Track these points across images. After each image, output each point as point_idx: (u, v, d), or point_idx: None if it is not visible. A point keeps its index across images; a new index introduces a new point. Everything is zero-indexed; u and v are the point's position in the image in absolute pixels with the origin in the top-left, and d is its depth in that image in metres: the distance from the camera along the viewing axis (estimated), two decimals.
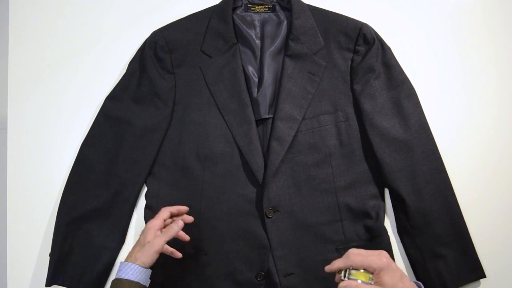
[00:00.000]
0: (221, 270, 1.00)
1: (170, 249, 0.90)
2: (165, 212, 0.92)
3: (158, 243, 0.87)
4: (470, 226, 1.01)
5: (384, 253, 0.75)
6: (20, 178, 1.10)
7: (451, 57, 1.13)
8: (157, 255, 0.88)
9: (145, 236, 0.88)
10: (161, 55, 1.05)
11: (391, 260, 0.74)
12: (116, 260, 1.04)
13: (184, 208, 0.94)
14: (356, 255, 0.75)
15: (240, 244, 1.00)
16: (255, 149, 1.00)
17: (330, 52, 1.05)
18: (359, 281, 0.72)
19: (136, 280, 0.85)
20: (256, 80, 1.04)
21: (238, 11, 1.08)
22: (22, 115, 1.13)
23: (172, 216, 0.94)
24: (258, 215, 1.00)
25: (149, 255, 0.86)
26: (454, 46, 1.13)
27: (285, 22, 1.07)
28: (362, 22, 1.06)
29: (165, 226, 0.92)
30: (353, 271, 0.74)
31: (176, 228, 0.90)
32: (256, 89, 1.04)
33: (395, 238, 1.05)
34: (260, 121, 1.03)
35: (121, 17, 1.16)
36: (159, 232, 0.89)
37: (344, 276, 0.74)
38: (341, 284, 0.73)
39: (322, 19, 1.06)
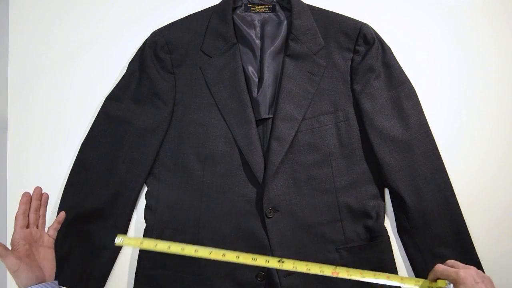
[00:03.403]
0: (221, 270, 1.00)
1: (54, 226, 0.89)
2: (18, 220, 0.86)
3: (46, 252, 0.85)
4: (470, 226, 1.01)
5: (468, 269, 0.81)
6: (20, 178, 1.10)
7: (451, 57, 1.13)
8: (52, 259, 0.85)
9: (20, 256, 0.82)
10: (161, 55, 1.05)
11: (471, 275, 0.80)
12: (116, 260, 1.04)
13: (27, 194, 0.88)
14: (440, 266, 0.84)
15: (240, 244, 1.00)
16: (255, 149, 1.00)
17: (330, 52, 1.05)
18: None
19: None
20: (256, 80, 1.04)
21: (238, 11, 1.08)
22: (22, 115, 1.13)
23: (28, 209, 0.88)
24: (258, 215, 1.00)
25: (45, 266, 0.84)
26: (454, 46, 1.13)
27: (285, 22, 1.07)
28: (362, 22, 1.06)
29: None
30: (438, 280, 0.84)
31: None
32: (256, 89, 1.04)
33: (395, 238, 1.05)
34: (260, 121, 1.03)
35: (121, 17, 1.16)
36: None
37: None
38: None
39: (322, 19, 1.06)
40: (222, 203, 1.01)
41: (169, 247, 0.87)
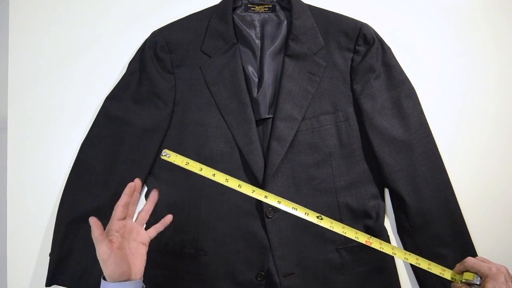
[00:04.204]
0: (221, 270, 1.00)
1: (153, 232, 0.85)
2: (118, 211, 0.80)
3: (141, 251, 0.81)
4: (470, 226, 1.01)
5: (501, 266, 0.82)
6: (20, 178, 1.10)
7: (451, 57, 1.13)
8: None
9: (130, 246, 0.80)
10: (161, 55, 1.05)
11: (503, 273, 0.80)
12: None
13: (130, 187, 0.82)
14: (471, 259, 0.84)
15: (240, 244, 1.00)
16: (255, 149, 1.00)
17: (330, 52, 1.05)
18: (462, 280, 0.85)
19: None
20: (256, 80, 1.04)
21: (238, 11, 1.08)
22: (22, 115, 1.13)
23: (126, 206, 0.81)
24: (258, 215, 1.00)
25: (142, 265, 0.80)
26: (454, 46, 1.13)
27: (285, 22, 1.07)
28: (362, 22, 1.06)
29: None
30: (465, 273, 0.85)
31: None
32: (256, 89, 1.04)
33: (395, 238, 1.05)
34: (260, 121, 1.03)
35: (121, 17, 1.16)
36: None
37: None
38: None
39: (322, 19, 1.06)
40: (222, 203, 1.01)
41: (214, 175, 0.93)
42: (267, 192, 0.92)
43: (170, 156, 0.90)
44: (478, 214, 1.06)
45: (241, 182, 0.92)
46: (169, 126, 1.05)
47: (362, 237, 0.91)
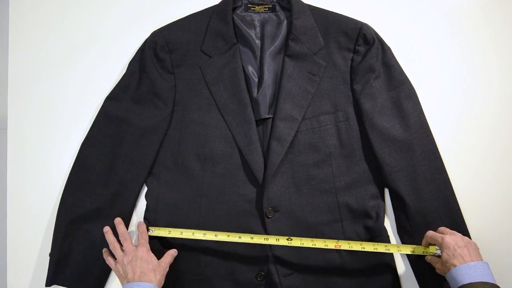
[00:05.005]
0: (221, 270, 1.00)
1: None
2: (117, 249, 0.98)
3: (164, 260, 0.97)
4: (470, 226, 1.01)
5: (454, 235, 0.92)
6: (20, 178, 1.10)
7: (451, 57, 1.13)
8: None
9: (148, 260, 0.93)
10: (161, 55, 1.05)
11: (454, 240, 0.89)
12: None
13: (116, 220, 1.01)
14: (430, 232, 0.94)
15: (240, 244, 1.00)
16: (255, 149, 1.00)
17: (330, 52, 1.05)
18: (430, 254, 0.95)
19: None
20: (256, 80, 1.04)
21: (238, 11, 1.08)
22: (22, 115, 1.13)
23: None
24: (258, 215, 1.00)
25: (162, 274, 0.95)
26: (454, 46, 1.13)
27: (285, 22, 1.07)
28: (362, 22, 1.06)
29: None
30: (430, 246, 0.95)
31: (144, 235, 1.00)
32: (256, 89, 1.04)
33: (395, 238, 1.05)
34: (260, 121, 1.03)
35: (121, 17, 1.16)
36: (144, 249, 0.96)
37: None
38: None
39: (322, 19, 1.06)
40: (222, 203, 1.01)
41: (193, 233, 0.99)
42: (252, 234, 0.98)
43: (154, 231, 1.00)
44: (478, 214, 1.06)
45: (229, 233, 0.98)
46: (169, 126, 1.05)
47: (331, 244, 0.96)
